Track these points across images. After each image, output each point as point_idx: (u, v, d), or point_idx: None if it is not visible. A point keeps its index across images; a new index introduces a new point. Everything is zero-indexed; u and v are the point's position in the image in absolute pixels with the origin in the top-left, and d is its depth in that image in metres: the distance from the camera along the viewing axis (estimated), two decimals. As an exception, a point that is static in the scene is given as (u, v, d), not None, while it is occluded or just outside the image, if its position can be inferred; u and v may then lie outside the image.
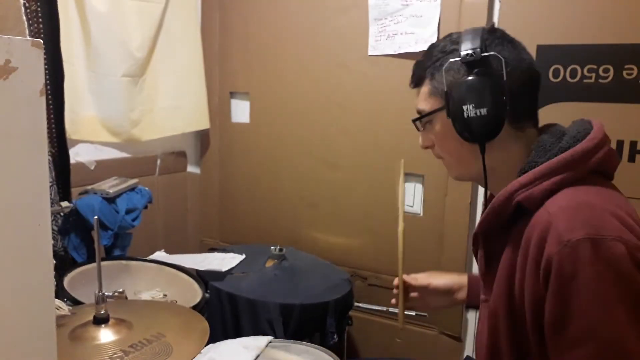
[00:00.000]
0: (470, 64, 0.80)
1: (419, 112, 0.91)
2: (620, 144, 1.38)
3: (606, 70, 1.40)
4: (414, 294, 1.17)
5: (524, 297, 0.73)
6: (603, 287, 0.64)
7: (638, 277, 0.64)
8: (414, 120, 0.92)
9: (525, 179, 0.76)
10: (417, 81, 0.91)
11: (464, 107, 0.79)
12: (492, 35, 0.82)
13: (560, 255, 0.66)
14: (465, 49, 0.80)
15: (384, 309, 1.81)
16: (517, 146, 0.83)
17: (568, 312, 0.66)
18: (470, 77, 0.79)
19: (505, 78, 0.78)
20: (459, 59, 0.81)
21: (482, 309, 0.89)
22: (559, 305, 0.67)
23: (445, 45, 0.86)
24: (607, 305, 0.64)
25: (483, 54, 0.79)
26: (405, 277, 1.17)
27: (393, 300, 1.17)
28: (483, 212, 0.84)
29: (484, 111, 0.78)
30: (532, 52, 1.47)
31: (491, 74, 0.78)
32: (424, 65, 0.89)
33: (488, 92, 0.78)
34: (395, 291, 1.16)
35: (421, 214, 1.76)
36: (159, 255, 1.64)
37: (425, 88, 0.89)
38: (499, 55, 0.79)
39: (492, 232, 0.81)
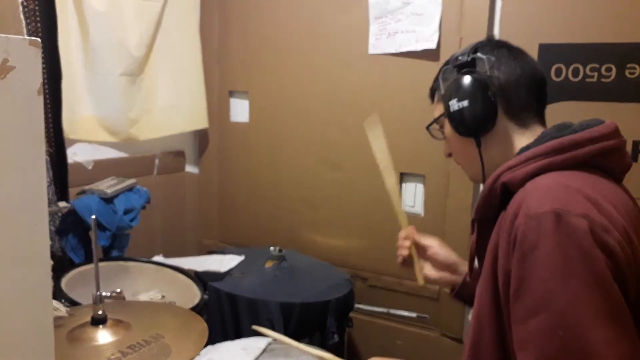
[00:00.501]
0: (459, 67, 0.89)
1: None
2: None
3: (608, 70, 1.41)
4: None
5: (500, 276, 0.75)
6: (560, 259, 0.66)
7: (597, 255, 0.65)
8: (427, 128, 1.00)
9: (512, 162, 0.79)
10: (431, 95, 1.00)
11: (451, 103, 0.88)
12: (485, 43, 0.90)
13: (525, 226, 0.69)
14: (458, 55, 0.90)
15: (385, 310, 1.81)
16: (521, 142, 0.86)
17: (526, 281, 0.68)
18: (457, 78, 0.88)
19: (489, 74, 0.86)
20: (450, 66, 0.92)
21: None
22: (519, 275, 0.69)
23: (449, 59, 0.94)
24: (562, 277, 0.65)
25: (470, 57, 0.88)
26: (412, 229, 1.16)
27: (403, 252, 1.14)
28: None
29: (465, 103, 0.85)
30: (534, 51, 1.48)
31: (475, 71, 0.87)
32: (435, 78, 0.98)
33: (470, 87, 0.85)
34: (404, 244, 1.15)
35: (422, 215, 1.76)
36: (157, 259, 1.64)
37: (436, 98, 0.99)
38: (485, 56, 0.87)
39: (486, 218, 0.83)
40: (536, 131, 0.86)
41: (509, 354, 0.75)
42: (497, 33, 1.55)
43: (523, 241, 0.68)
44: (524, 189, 0.74)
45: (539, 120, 0.88)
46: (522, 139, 0.86)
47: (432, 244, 1.14)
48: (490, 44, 0.89)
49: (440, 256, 1.13)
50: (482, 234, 0.85)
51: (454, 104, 0.86)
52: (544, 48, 1.47)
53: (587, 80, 1.43)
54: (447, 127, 0.92)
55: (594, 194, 0.70)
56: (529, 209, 0.69)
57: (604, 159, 0.77)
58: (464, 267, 1.14)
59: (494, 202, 0.80)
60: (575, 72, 1.45)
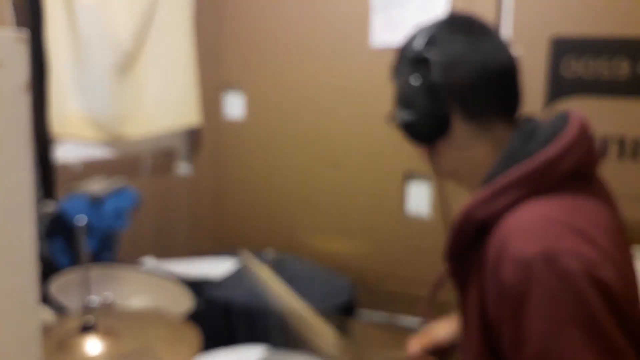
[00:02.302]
0: (411, 63, 0.80)
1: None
2: (636, 140, 1.39)
3: (621, 64, 1.41)
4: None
5: (491, 321, 0.73)
6: (555, 307, 0.64)
7: (593, 297, 0.63)
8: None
9: (484, 194, 0.74)
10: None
11: (399, 110, 0.82)
12: (443, 28, 0.81)
13: (512, 273, 0.66)
14: (410, 47, 0.81)
15: (388, 317, 1.81)
16: (482, 145, 0.81)
17: (522, 334, 0.66)
18: (407, 77, 0.80)
19: (443, 74, 0.77)
20: (404, 59, 0.82)
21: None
22: (513, 327, 0.67)
23: (402, 47, 0.85)
24: (560, 328, 0.64)
25: (423, 50, 0.79)
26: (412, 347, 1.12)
27: None
28: None
29: (413, 113, 0.80)
30: (545, 45, 1.49)
31: (428, 71, 0.78)
32: (391, 69, 0.89)
33: (422, 92, 0.79)
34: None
35: (428, 217, 1.76)
36: (148, 261, 1.65)
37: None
38: (439, 51, 0.78)
39: (460, 252, 0.80)
40: (498, 132, 0.80)
41: None
42: (506, 26, 1.56)
43: (512, 291, 0.66)
44: (503, 226, 0.70)
45: (504, 120, 0.81)
46: (481, 141, 0.80)
47: (428, 339, 1.10)
48: (447, 31, 0.80)
49: (446, 339, 1.08)
50: (459, 268, 0.81)
51: (404, 112, 0.81)
52: (554, 42, 1.47)
53: (598, 75, 1.44)
54: None
55: (577, 221, 0.68)
56: (514, 253, 0.66)
57: (578, 165, 0.74)
58: None
59: (467, 240, 0.77)
60: (587, 67, 1.45)
